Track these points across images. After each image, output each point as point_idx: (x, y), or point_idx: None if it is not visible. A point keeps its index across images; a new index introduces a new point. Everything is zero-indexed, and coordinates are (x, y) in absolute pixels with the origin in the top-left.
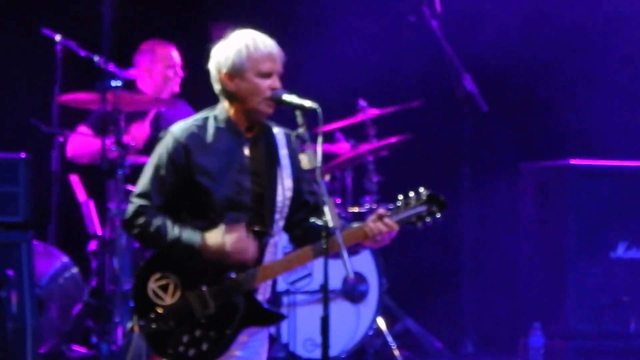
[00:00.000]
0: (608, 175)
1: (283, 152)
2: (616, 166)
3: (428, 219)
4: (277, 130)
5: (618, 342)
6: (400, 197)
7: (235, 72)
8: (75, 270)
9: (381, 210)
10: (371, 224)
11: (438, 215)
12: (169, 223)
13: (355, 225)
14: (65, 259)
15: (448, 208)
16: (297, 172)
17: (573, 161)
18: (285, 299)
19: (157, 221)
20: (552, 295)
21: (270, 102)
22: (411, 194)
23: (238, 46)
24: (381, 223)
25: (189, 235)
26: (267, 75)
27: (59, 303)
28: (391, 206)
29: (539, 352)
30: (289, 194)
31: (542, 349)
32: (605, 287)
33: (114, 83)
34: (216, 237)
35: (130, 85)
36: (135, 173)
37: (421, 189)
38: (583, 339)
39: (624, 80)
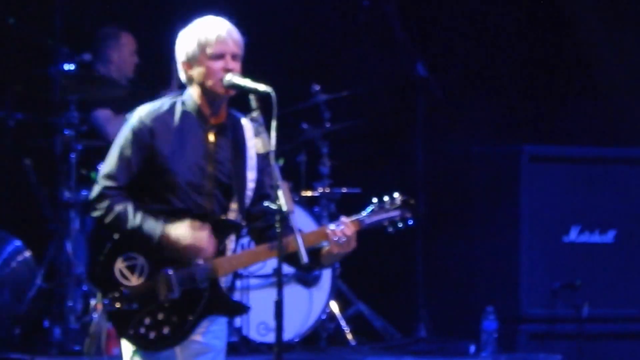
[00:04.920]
0: (560, 160)
1: (250, 143)
2: (568, 151)
3: (400, 224)
4: (245, 122)
5: (571, 326)
6: (375, 200)
7: (191, 60)
8: (27, 254)
9: (344, 219)
10: (333, 226)
11: (410, 222)
12: (130, 209)
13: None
14: (17, 242)
15: (419, 215)
16: (261, 164)
17: (525, 146)
18: (238, 283)
19: (119, 207)
20: (505, 280)
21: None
22: (385, 198)
23: (190, 35)
24: (343, 227)
25: (150, 225)
26: (218, 57)
27: (11, 287)
28: (363, 212)
29: (492, 336)
30: (251, 185)
31: (495, 332)
32: (558, 272)
33: (67, 67)
34: (178, 231)
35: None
36: (88, 157)
37: (395, 194)
38: (536, 323)
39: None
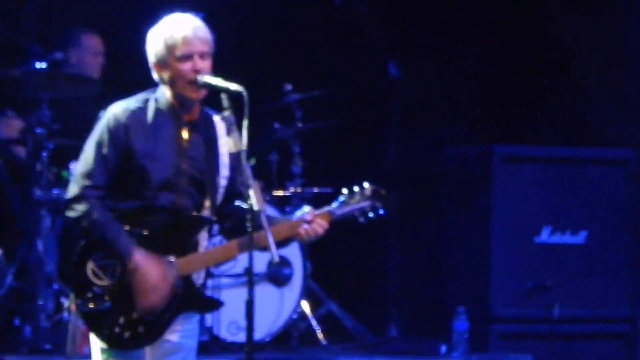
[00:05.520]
0: (532, 159)
1: (222, 140)
2: (540, 151)
3: (371, 214)
4: (218, 119)
5: (542, 326)
6: (345, 191)
7: (159, 62)
8: None
9: (309, 216)
10: (305, 226)
11: (381, 212)
12: (108, 220)
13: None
14: None
15: (390, 205)
16: (234, 162)
17: (496, 146)
18: (209, 282)
19: (96, 214)
20: (477, 280)
21: (195, 87)
22: (355, 188)
23: (157, 36)
24: (315, 224)
25: (124, 242)
26: (186, 58)
27: None
28: (334, 203)
29: (463, 336)
30: (224, 182)
31: (466, 333)
32: (529, 272)
33: (38, 65)
34: (146, 265)
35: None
36: (60, 155)
37: (365, 184)
38: (507, 323)
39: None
